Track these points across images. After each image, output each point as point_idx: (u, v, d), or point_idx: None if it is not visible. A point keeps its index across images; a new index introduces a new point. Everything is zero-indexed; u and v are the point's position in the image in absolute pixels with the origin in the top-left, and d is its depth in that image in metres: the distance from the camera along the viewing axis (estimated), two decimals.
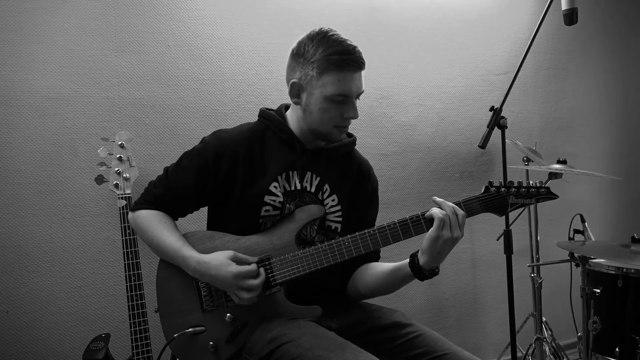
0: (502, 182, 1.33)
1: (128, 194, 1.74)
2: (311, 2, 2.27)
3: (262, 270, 1.30)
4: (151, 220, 1.40)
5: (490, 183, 1.32)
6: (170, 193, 1.41)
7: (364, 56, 1.34)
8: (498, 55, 2.66)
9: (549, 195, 1.33)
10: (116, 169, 1.76)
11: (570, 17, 2.08)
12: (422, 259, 1.27)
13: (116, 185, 1.75)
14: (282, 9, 2.22)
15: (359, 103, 1.39)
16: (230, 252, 1.30)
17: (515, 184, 1.32)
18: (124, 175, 1.76)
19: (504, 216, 1.33)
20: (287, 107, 1.48)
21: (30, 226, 1.87)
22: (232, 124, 1.51)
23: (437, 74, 2.53)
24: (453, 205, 1.26)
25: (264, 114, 1.46)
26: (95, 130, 1.93)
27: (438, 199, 1.28)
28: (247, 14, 2.16)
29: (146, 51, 2.01)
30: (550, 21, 2.66)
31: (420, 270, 1.28)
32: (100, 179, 1.75)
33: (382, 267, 1.41)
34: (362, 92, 1.37)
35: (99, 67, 1.95)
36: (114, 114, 1.97)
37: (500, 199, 1.31)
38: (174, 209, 1.44)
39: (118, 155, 1.77)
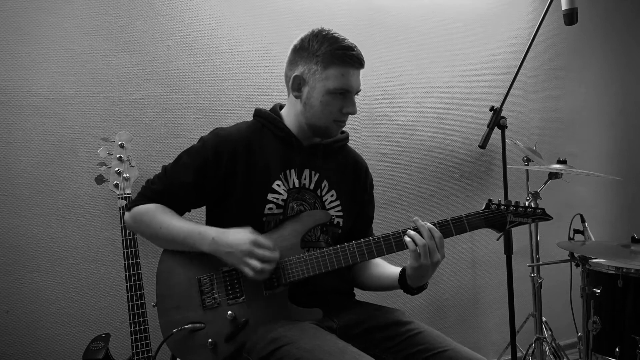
0: (501, 201, 1.38)
1: (128, 194, 1.74)
2: (311, 2, 2.27)
3: (278, 251, 1.30)
4: (155, 210, 1.38)
5: (490, 200, 1.37)
6: (169, 189, 1.40)
7: (364, 56, 1.37)
8: (498, 55, 2.66)
9: (544, 216, 1.38)
10: (116, 169, 1.76)
11: (570, 17, 2.09)
12: (408, 280, 1.36)
13: (116, 185, 1.75)
14: (281, 9, 2.22)
15: (359, 103, 1.40)
16: (250, 228, 1.31)
17: (513, 204, 1.37)
18: (124, 175, 1.76)
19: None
20: (281, 106, 1.51)
21: (30, 226, 1.87)
22: (231, 123, 1.51)
23: (437, 74, 2.53)
24: (430, 227, 1.29)
25: (259, 112, 1.48)
26: (95, 130, 1.93)
27: (419, 222, 1.30)
28: (247, 14, 2.16)
29: (146, 51, 2.01)
30: (550, 21, 2.66)
31: (408, 288, 1.39)
32: (100, 179, 1.75)
33: (380, 272, 1.51)
34: (360, 90, 1.42)
35: (99, 67, 1.95)
36: (114, 114, 1.97)
37: (499, 217, 1.35)
38: (173, 205, 1.41)
39: (118, 155, 1.77)
